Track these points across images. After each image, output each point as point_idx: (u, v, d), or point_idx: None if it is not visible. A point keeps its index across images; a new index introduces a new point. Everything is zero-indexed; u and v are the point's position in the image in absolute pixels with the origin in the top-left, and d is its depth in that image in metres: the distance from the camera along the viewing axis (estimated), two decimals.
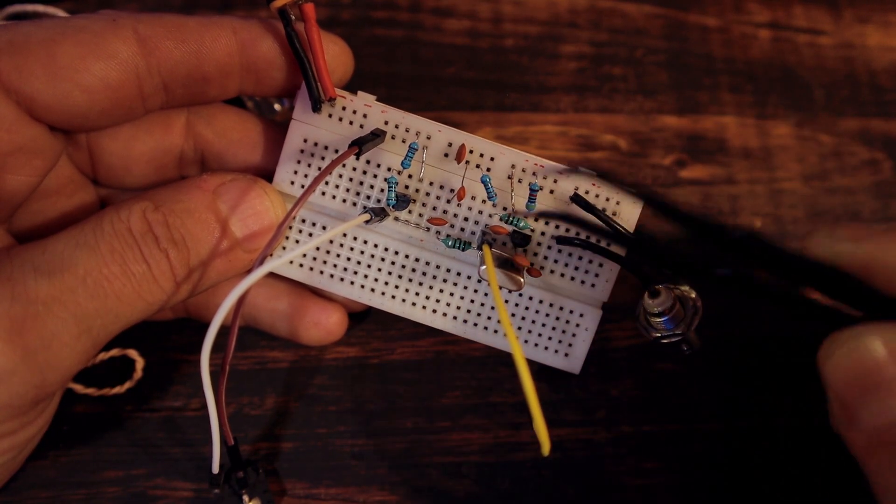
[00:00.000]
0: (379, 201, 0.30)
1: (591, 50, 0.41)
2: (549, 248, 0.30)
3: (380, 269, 0.30)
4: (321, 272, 0.30)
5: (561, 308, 0.30)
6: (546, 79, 0.40)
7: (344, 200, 0.30)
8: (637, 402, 0.36)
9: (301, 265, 0.30)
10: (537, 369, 0.33)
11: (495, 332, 0.31)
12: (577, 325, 0.30)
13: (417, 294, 0.30)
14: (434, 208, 0.30)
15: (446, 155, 0.29)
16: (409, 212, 0.30)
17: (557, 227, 0.29)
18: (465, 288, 0.30)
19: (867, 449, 0.21)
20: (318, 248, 0.30)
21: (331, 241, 0.30)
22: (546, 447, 0.23)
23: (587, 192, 0.29)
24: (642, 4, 0.42)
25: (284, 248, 0.30)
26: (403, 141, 0.29)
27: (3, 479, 0.28)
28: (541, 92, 0.40)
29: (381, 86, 0.39)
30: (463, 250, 0.29)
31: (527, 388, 0.22)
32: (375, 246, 0.30)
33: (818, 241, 0.23)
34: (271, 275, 0.31)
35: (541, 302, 0.30)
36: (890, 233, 0.22)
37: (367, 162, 0.29)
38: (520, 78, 0.40)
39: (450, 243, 0.29)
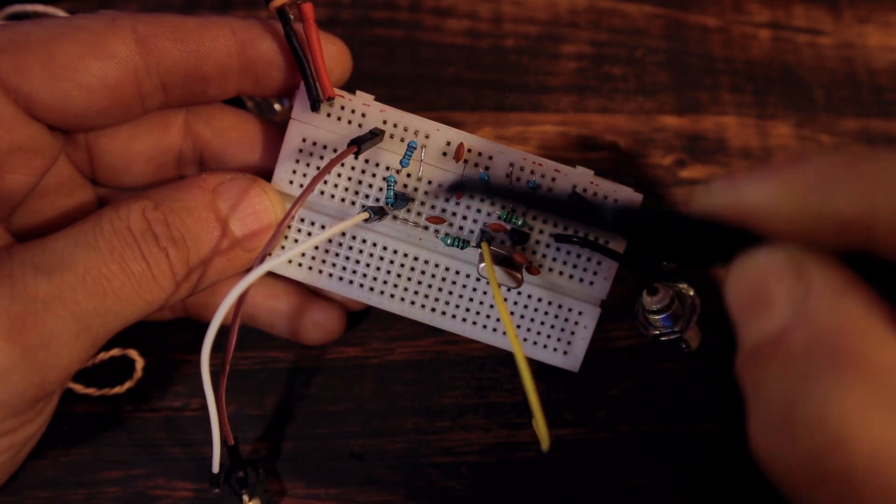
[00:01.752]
0: (378, 200, 0.30)
1: (591, 50, 0.41)
2: (548, 246, 0.30)
3: (379, 268, 0.30)
4: (320, 272, 0.30)
5: (560, 306, 0.30)
6: (546, 79, 0.40)
7: (343, 200, 0.30)
8: (637, 402, 0.36)
9: (300, 265, 0.30)
10: (537, 369, 0.33)
11: (494, 330, 0.31)
12: (576, 323, 0.30)
13: (416, 293, 0.30)
14: (433, 207, 0.30)
15: (445, 154, 0.29)
16: (408, 210, 0.30)
17: (556, 225, 0.29)
18: (465, 286, 0.30)
19: (741, 369, 0.19)
20: (317, 248, 0.30)
21: (330, 241, 0.30)
22: (546, 443, 0.23)
23: (585, 190, 0.29)
24: (642, 4, 0.42)
25: (283, 247, 0.30)
26: (402, 140, 0.29)
27: (2, 479, 0.28)
28: (541, 92, 0.40)
29: (381, 86, 0.39)
30: (462, 248, 0.30)
31: (526, 382, 0.23)
32: (374, 245, 0.30)
33: (697, 197, 0.21)
34: (271, 275, 0.31)
35: (539, 300, 0.30)
36: (754, 174, 0.20)
37: (366, 161, 0.29)
38: (520, 78, 0.40)
39: (448, 241, 0.29)
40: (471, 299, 0.30)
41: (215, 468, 0.30)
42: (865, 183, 0.17)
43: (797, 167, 0.19)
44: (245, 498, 0.32)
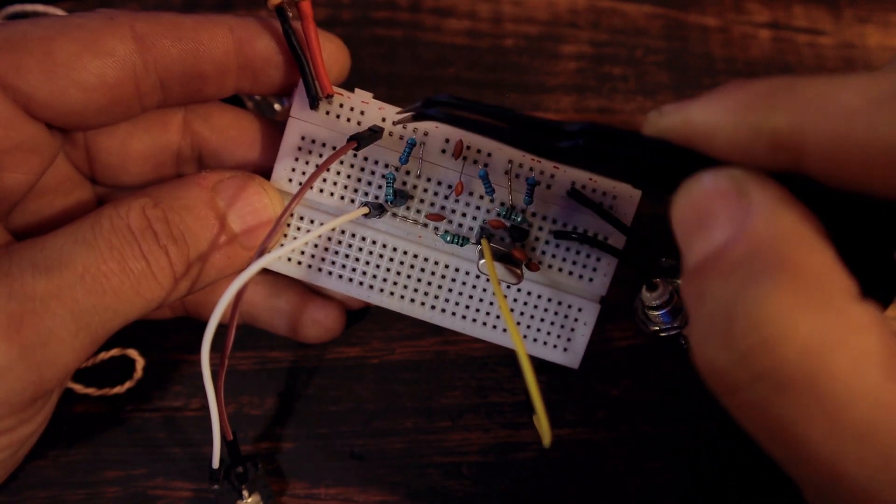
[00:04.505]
0: (377, 198, 0.30)
1: (591, 50, 0.41)
2: (547, 242, 0.30)
3: (378, 266, 0.30)
4: (320, 269, 0.30)
5: (559, 302, 0.30)
6: (546, 79, 0.40)
7: (342, 197, 0.30)
8: (637, 402, 0.36)
9: (300, 263, 0.30)
10: (537, 366, 0.33)
11: (494, 327, 0.31)
12: (576, 320, 0.30)
13: (416, 290, 0.30)
14: (432, 204, 0.30)
15: (443, 151, 0.29)
16: (407, 208, 0.30)
17: (555, 221, 0.29)
18: (464, 283, 0.30)
19: (685, 287, 0.19)
20: (316, 246, 0.30)
21: (329, 238, 0.30)
22: (547, 439, 0.22)
23: (584, 187, 0.29)
24: (642, 4, 0.42)
25: (282, 245, 0.30)
26: (401, 137, 0.29)
27: (1, 478, 0.28)
28: (541, 92, 0.40)
29: (381, 85, 0.39)
30: (461, 245, 0.29)
31: (527, 376, 0.22)
32: (374, 243, 0.30)
33: (649, 119, 0.21)
34: (271, 273, 0.31)
35: (539, 297, 0.30)
36: (701, 96, 0.20)
37: (365, 159, 0.29)
38: (520, 78, 0.40)
39: (448, 239, 0.29)
40: (471, 296, 0.30)
41: (215, 463, 0.30)
42: (798, 103, 0.18)
43: (740, 89, 0.19)
44: (245, 493, 0.32)
